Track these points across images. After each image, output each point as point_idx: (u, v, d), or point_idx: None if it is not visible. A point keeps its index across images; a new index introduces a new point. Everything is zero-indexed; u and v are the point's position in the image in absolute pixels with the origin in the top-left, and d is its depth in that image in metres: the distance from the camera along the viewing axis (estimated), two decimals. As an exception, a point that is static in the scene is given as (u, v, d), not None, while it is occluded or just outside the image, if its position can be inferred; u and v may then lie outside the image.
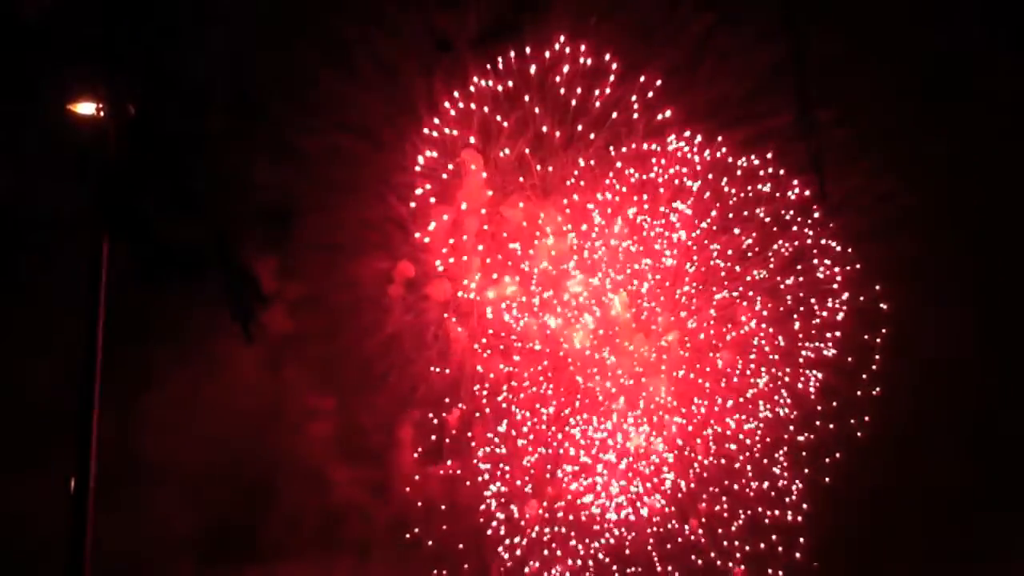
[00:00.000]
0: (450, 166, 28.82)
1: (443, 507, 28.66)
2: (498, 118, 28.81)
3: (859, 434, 29.19)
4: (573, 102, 28.71)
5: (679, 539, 28.92)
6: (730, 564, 28.91)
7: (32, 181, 25.56)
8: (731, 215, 29.09)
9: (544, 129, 28.74)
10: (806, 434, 28.81)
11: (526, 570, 28.80)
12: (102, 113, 20.91)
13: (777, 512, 28.53)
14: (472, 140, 28.97)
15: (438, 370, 28.92)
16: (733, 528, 28.78)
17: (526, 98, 28.60)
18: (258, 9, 26.77)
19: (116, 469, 24.02)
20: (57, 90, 21.21)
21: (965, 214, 29.17)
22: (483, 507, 28.76)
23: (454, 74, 28.77)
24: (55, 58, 23.24)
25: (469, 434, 28.91)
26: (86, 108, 21.30)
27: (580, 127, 28.76)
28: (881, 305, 29.14)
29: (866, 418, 29.20)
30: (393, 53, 28.46)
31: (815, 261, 29.02)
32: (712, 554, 29.02)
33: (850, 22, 28.41)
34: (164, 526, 26.46)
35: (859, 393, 29.06)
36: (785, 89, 28.50)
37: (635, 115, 28.82)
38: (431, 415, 28.96)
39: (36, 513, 23.67)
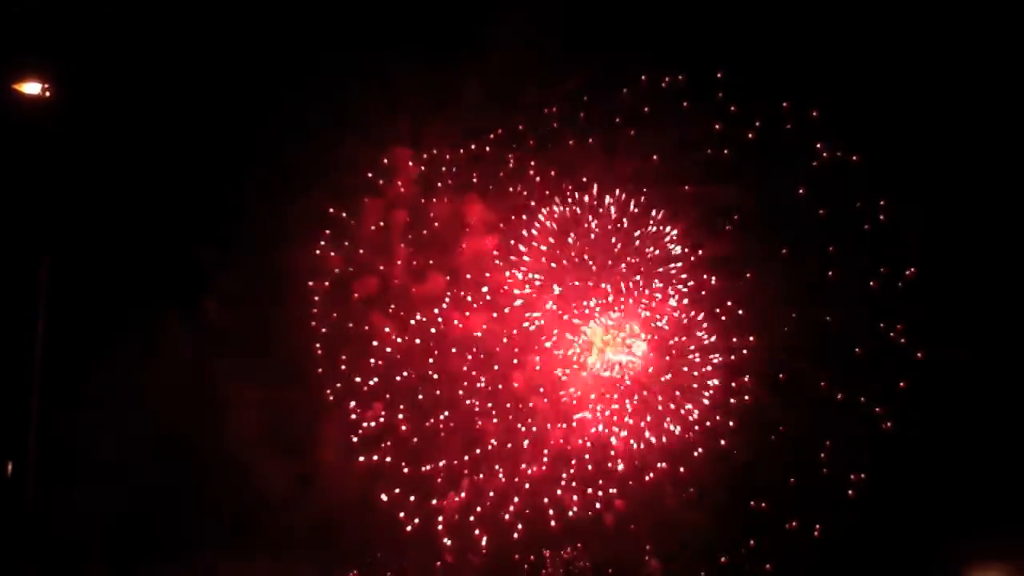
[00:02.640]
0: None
1: (364, 501, 28.83)
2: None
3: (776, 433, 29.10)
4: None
5: (596, 533, 29.24)
6: (646, 558, 29.35)
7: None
8: (659, 214, 29.69)
9: (475, 127, 29.39)
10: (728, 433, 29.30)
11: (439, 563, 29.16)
12: (48, 94, 20.80)
13: (692, 510, 28.80)
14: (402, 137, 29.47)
15: (364, 364, 29.24)
16: (649, 523, 29.10)
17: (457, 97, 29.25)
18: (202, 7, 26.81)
19: (46, 457, 23.99)
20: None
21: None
22: (402, 501, 28.98)
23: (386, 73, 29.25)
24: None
25: (392, 424, 29.25)
26: (31, 88, 21.10)
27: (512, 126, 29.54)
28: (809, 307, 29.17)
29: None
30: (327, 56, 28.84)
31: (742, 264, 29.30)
32: (627, 548, 29.42)
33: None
34: (89, 513, 26.21)
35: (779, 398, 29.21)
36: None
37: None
38: (356, 409, 29.33)
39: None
